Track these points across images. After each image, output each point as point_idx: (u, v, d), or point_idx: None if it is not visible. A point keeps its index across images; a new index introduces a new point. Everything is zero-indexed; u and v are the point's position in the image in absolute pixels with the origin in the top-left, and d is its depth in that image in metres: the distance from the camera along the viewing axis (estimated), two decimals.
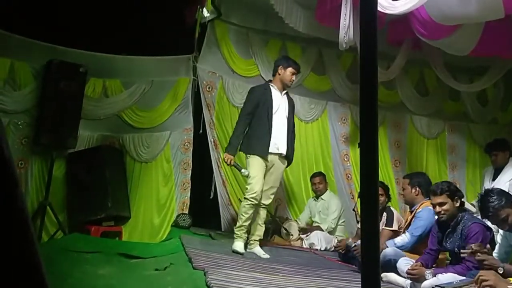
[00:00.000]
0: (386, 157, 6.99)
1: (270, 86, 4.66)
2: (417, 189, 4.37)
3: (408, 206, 4.70)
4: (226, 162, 4.62)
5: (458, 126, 7.48)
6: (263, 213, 4.59)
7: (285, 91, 4.70)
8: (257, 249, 4.46)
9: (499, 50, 5.32)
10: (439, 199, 3.65)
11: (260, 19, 6.33)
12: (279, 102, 4.62)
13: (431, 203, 3.79)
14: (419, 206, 4.31)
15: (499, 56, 5.73)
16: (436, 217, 3.82)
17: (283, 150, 4.57)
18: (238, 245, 4.37)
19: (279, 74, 4.65)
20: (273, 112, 4.53)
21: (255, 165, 4.47)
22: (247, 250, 4.46)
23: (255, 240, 4.52)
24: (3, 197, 0.65)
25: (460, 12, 4.42)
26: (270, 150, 4.48)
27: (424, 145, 7.31)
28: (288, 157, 4.66)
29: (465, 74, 7.07)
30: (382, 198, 4.76)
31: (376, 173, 1.22)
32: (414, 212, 4.31)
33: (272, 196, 4.64)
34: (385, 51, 6.21)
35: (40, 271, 0.67)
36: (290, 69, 4.62)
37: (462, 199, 3.69)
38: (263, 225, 4.62)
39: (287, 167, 4.89)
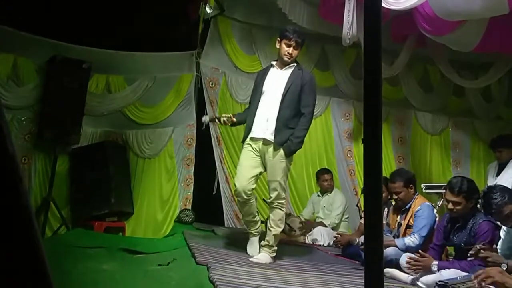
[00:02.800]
0: (389, 153, 6.99)
1: (271, 66, 4.12)
2: (412, 188, 4.30)
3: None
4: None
5: (462, 122, 7.47)
6: (274, 214, 3.90)
7: (287, 67, 3.99)
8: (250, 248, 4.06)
9: (504, 46, 5.30)
10: (454, 198, 3.56)
11: (263, 15, 6.31)
12: (274, 80, 3.99)
13: (445, 198, 3.70)
14: (414, 203, 4.24)
15: (503, 52, 5.71)
16: (446, 212, 3.82)
17: (267, 135, 3.88)
18: (248, 243, 4.05)
19: (278, 49, 4.03)
20: (263, 92, 3.97)
21: (241, 156, 4.05)
22: None
23: (262, 246, 3.93)
24: (7, 194, 0.65)
25: (464, 8, 4.40)
26: (254, 135, 3.93)
27: (428, 141, 7.30)
28: (278, 144, 3.84)
29: (469, 70, 7.05)
30: (385, 194, 4.74)
31: (380, 169, 1.21)
32: (411, 211, 4.25)
33: (275, 191, 3.86)
34: (389, 47, 6.19)
35: (44, 266, 0.67)
36: (284, 41, 3.92)
37: (478, 200, 3.63)
38: (274, 228, 3.87)
39: (288, 156, 3.91)
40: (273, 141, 3.85)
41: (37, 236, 0.67)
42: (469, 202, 3.55)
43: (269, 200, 3.97)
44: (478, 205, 3.68)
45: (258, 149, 3.92)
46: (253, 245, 4.03)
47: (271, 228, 3.88)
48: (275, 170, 3.86)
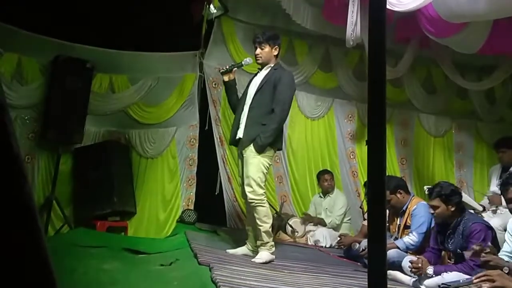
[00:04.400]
0: (392, 155, 6.98)
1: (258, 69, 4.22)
2: (401, 192, 4.35)
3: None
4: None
5: (466, 124, 7.45)
6: (257, 213, 3.83)
7: (265, 67, 4.07)
8: (242, 249, 4.09)
9: (508, 48, 5.28)
10: (432, 202, 3.65)
11: (267, 16, 6.31)
12: (253, 82, 4.13)
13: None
14: (411, 204, 4.31)
15: (507, 54, 5.69)
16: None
17: (240, 134, 3.97)
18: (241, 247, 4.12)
19: None
20: (246, 95, 4.10)
21: None
22: None
23: (258, 246, 3.92)
24: (11, 193, 0.65)
25: (468, 10, 4.38)
26: (236, 137, 4.04)
27: (431, 143, 7.28)
28: (246, 141, 3.89)
29: (473, 72, 7.03)
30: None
31: (384, 171, 1.21)
32: (408, 211, 4.31)
33: (249, 187, 3.81)
34: (393, 48, 6.19)
35: (48, 265, 0.67)
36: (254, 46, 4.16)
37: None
38: (261, 226, 3.83)
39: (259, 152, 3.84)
40: (240, 138, 3.98)
41: (41, 235, 0.67)
42: (448, 204, 3.57)
43: (248, 200, 3.87)
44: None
45: (240, 150, 4.03)
46: (239, 249, 4.07)
47: (259, 227, 3.85)
48: (247, 165, 3.87)
